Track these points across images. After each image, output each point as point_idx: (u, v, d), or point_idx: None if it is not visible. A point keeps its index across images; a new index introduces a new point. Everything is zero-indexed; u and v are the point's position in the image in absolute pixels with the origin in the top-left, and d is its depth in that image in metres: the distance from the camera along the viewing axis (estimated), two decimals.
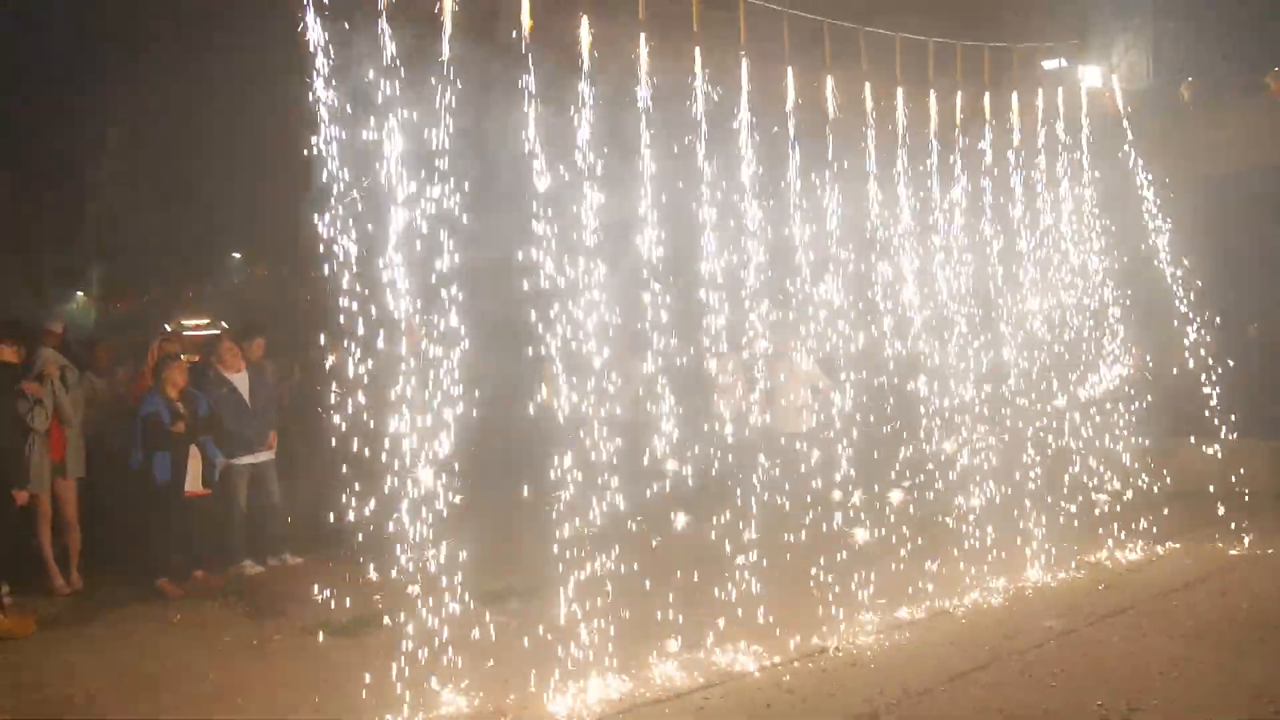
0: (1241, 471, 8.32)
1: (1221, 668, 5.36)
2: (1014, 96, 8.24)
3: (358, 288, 4.98)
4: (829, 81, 7.01)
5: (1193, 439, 8.20)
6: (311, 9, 4.64)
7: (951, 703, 5.05)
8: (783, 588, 6.40)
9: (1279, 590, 6.73)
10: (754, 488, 6.59)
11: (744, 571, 6.17)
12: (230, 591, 7.49)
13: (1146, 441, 8.51)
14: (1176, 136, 10.98)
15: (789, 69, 6.75)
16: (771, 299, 6.78)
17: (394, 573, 5.14)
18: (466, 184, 5.14)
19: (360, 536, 5.35)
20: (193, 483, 7.50)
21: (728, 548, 6.16)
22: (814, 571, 6.58)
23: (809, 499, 6.87)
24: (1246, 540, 7.95)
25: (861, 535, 6.71)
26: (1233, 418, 8.36)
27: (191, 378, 7.84)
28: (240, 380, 8.01)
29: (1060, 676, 5.34)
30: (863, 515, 6.75)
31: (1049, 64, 9.05)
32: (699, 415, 6.64)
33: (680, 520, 5.95)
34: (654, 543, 5.82)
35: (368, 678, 5.12)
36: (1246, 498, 8.30)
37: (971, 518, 7.51)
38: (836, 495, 6.81)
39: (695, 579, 5.94)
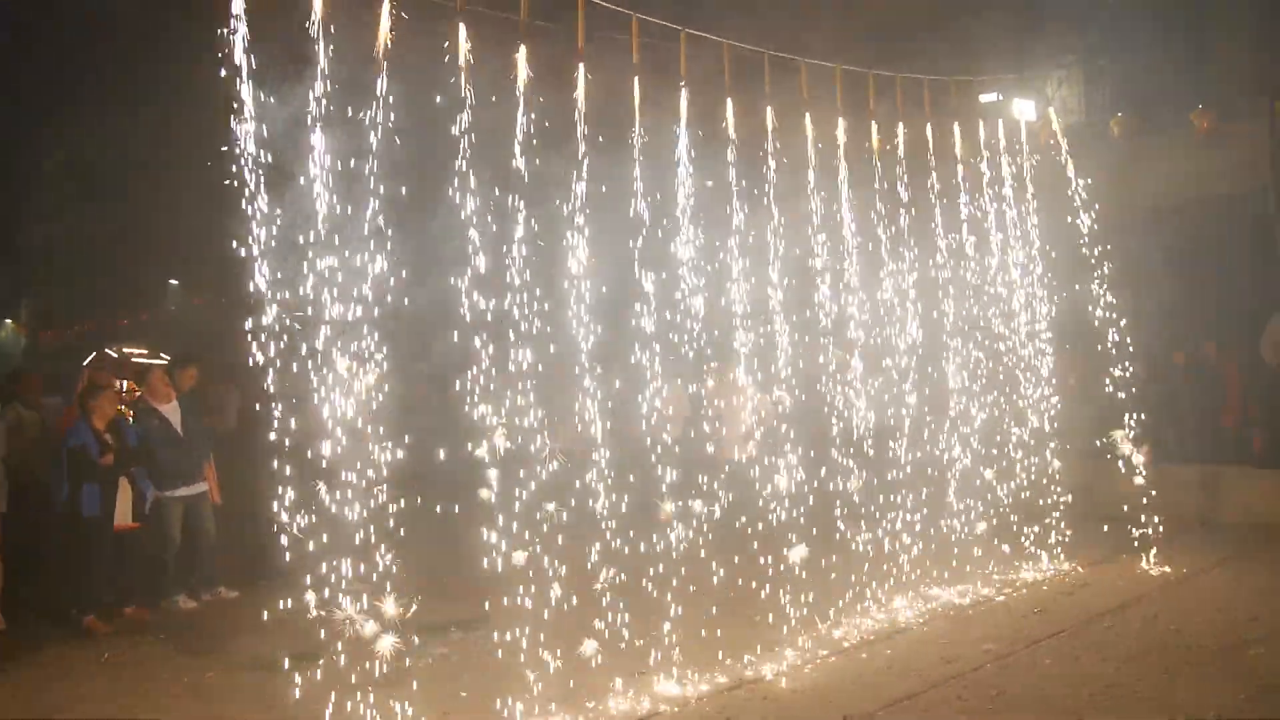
0: (1169, 496, 8.55)
1: (1152, 690, 5.46)
2: (955, 128, 8.45)
3: (296, 314, 4.92)
4: (769, 112, 7.12)
5: (1121, 464, 8.41)
6: (242, 38, 4.60)
7: None
8: (725, 615, 6.41)
9: (1205, 614, 6.89)
10: (697, 514, 6.59)
11: (686, 599, 6.17)
12: (163, 628, 7.30)
13: (1078, 466, 8.71)
14: (1107, 170, 11.34)
15: (729, 99, 6.85)
16: (714, 325, 6.82)
17: (333, 606, 5.04)
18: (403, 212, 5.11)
19: (299, 569, 5.24)
20: (122, 516, 7.32)
21: (669, 575, 6.15)
22: (757, 599, 6.60)
23: (751, 525, 6.90)
24: (1174, 564, 8.15)
25: (804, 561, 6.74)
26: (1160, 443, 8.59)
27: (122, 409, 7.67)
28: (171, 411, 7.84)
29: (997, 700, 5.40)
30: (805, 541, 6.78)
31: (986, 98, 9.31)
32: (642, 441, 6.65)
33: (621, 548, 5.92)
34: (593, 570, 5.78)
35: (306, 715, 5.00)
36: (1174, 521, 8.52)
37: (910, 543, 7.59)
38: (778, 521, 6.83)
39: (636, 607, 5.92)
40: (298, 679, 5.12)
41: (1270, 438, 9.89)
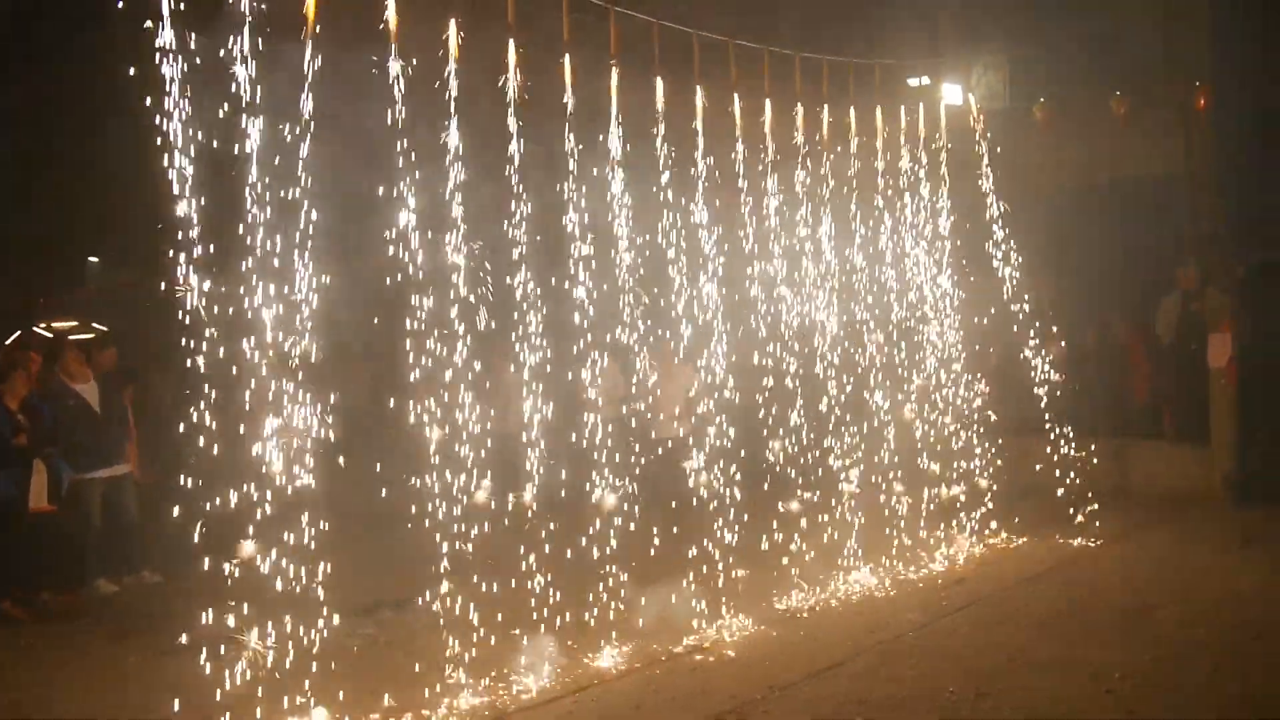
0: (1082, 470, 8.89)
1: (1062, 654, 5.69)
2: (878, 111, 8.59)
3: (218, 293, 4.83)
4: (698, 92, 7.15)
5: (1038, 439, 8.70)
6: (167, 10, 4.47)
7: (814, 696, 5.21)
8: (654, 591, 6.48)
9: (1115, 581, 7.20)
10: (626, 492, 6.65)
11: (615, 576, 6.23)
12: (83, 613, 7.14)
13: (998, 442, 8.99)
14: (1029, 155, 11.64)
15: (659, 79, 6.86)
16: (646, 304, 6.87)
17: (259, 588, 4.99)
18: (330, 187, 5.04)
19: (224, 552, 5.17)
20: (37, 499, 7.13)
21: (598, 552, 6.21)
22: (685, 574, 6.68)
23: (679, 502, 6.99)
24: (1087, 534, 8.47)
25: (731, 536, 6.85)
26: (1074, 419, 8.91)
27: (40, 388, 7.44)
28: (89, 390, 7.62)
29: (917, 666, 5.58)
30: (732, 517, 6.88)
31: (911, 81, 9.49)
32: (573, 421, 6.68)
33: (549, 526, 5.96)
34: (525, 548, 5.82)
35: (232, 699, 4.94)
36: (1087, 495, 8.85)
37: (835, 517, 7.75)
38: (706, 498, 6.92)
39: (565, 584, 5.97)
40: (222, 663, 5.05)
41: (1177, 413, 10.31)
